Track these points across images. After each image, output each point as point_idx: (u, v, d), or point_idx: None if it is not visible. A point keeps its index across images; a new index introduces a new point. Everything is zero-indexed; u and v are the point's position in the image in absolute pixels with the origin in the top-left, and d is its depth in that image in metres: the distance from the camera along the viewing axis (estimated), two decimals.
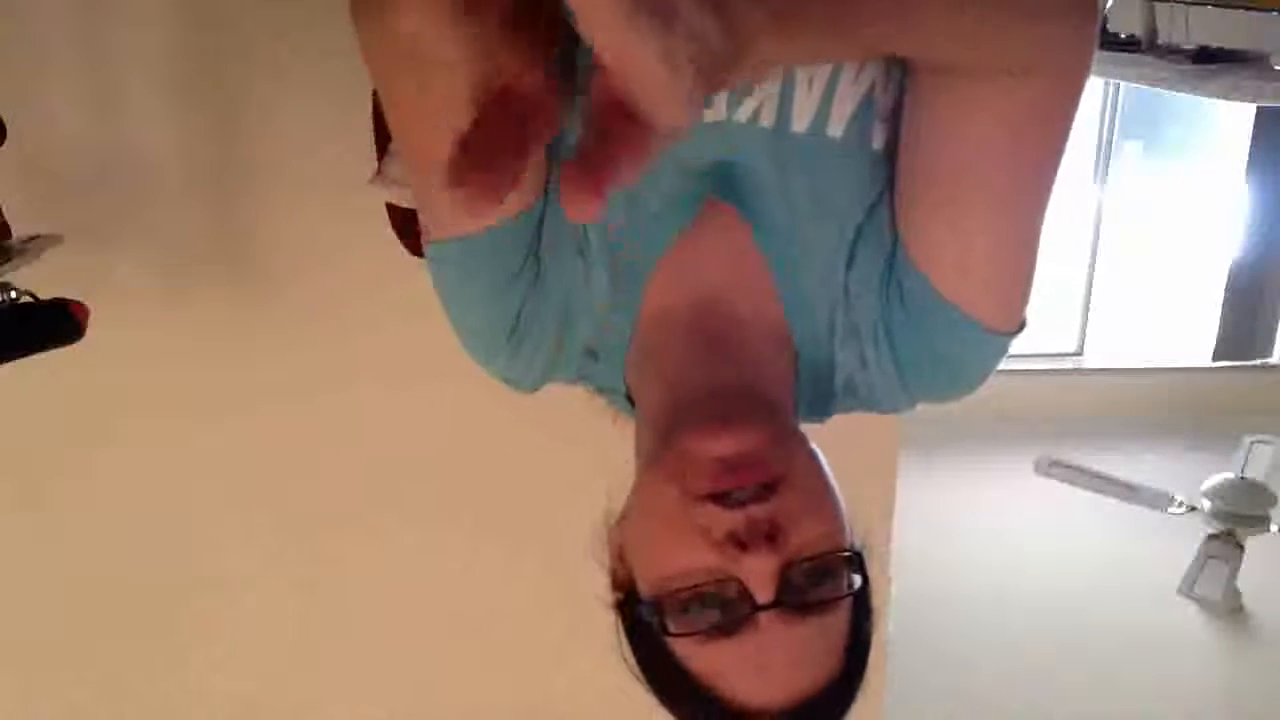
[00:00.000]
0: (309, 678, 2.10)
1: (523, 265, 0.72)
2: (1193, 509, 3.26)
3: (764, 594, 0.64)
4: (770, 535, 0.64)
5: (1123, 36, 2.63)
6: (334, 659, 2.09)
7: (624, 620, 0.73)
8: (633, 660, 0.73)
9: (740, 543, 0.63)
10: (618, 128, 0.36)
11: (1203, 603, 3.26)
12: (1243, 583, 3.23)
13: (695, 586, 0.65)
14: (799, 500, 0.66)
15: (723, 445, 0.66)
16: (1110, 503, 3.32)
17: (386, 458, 1.95)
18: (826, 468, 0.70)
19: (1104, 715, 2.92)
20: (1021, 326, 0.73)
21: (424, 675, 2.10)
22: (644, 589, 0.69)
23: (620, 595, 0.73)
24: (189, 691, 2.06)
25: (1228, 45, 2.51)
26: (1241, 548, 3.20)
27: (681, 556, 0.66)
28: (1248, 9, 2.33)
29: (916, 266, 0.69)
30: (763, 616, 0.64)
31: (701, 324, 0.73)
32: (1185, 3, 2.38)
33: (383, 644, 2.08)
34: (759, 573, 0.64)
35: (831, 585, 0.66)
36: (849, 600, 0.68)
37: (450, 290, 0.74)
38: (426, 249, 0.73)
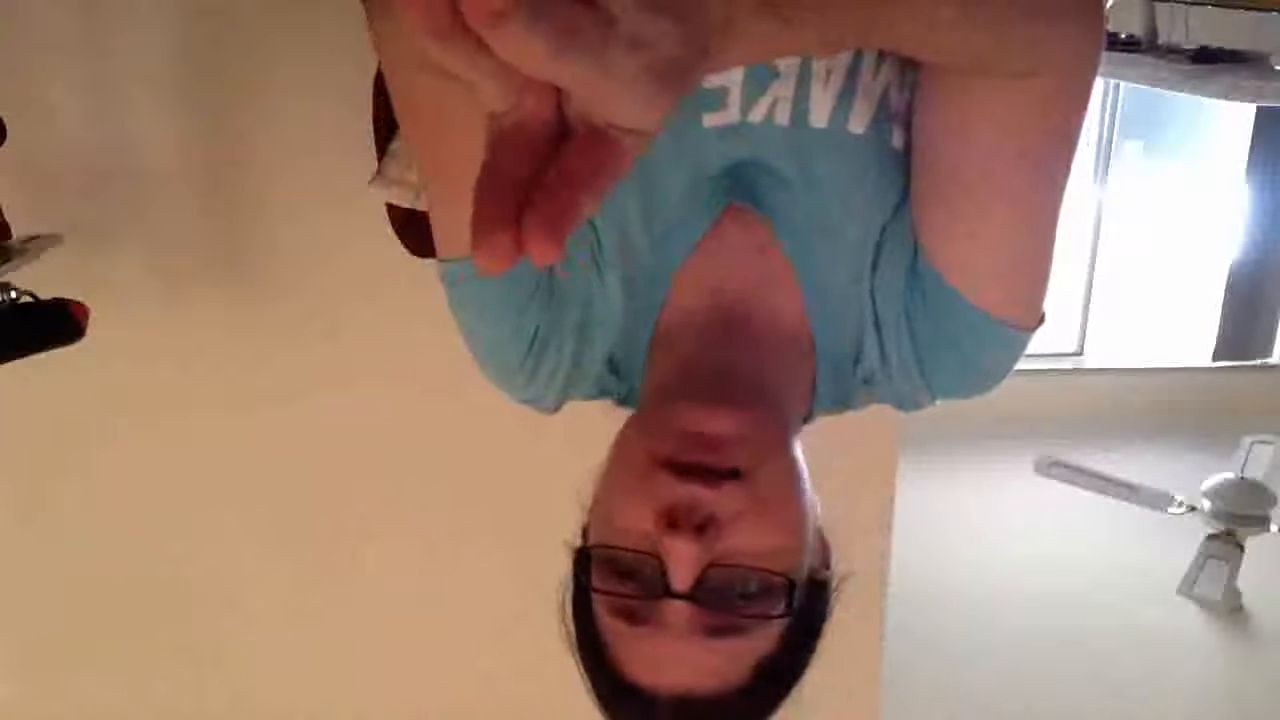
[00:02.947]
0: (309, 678, 2.10)
1: (539, 279, 0.72)
2: (1193, 509, 3.26)
3: (679, 582, 0.64)
4: (701, 526, 0.63)
5: (1123, 36, 2.63)
6: (334, 659, 2.09)
7: (573, 568, 0.74)
8: (568, 611, 0.74)
9: (672, 521, 0.63)
10: (579, 156, 0.34)
11: (1203, 603, 3.25)
12: (1243, 583, 3.22)
13: (623, 549, 0.66)
14: (750, 505, 0.65)
15: (700, 421, 0.67)
16: (1110, 503, 3.31)
17: (387, 457, 1.95)
18: (804, 489, 0.69)
19: (1104, 715, 2.92)
20: (1040, 322, 0.73)
21: (425, 676, 2.10)
22: (590, 536, 0.71)
23: (579, 543, 0.74)
24: (187, 691, 2.07)
25: (1228, 45, 2.52)
26: (1241, 548, 3.20)
27: (624, 512, 0.67)
28: (1248, 9, 2.33)
29: (933, 264, 0.70)
30: (673, 604, 0.64)
31: (719, 320, 0.74)
32: (1185, 3, 2.38)
33: (382, 644, 2.08)
34: (677, 559, 0.63)
35: (755, 603, 0.65)
36: (778, 626, 0.67)
37: (468, 311, 0.75)
38: (442, 269, 0.73)
